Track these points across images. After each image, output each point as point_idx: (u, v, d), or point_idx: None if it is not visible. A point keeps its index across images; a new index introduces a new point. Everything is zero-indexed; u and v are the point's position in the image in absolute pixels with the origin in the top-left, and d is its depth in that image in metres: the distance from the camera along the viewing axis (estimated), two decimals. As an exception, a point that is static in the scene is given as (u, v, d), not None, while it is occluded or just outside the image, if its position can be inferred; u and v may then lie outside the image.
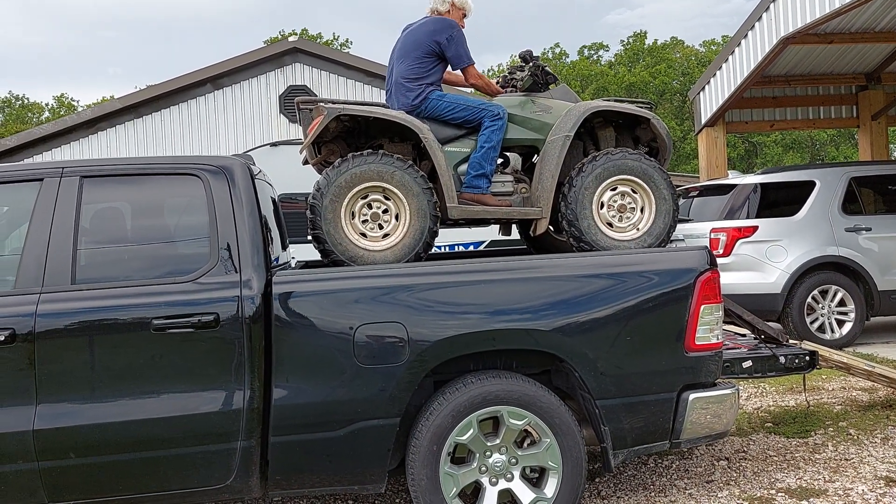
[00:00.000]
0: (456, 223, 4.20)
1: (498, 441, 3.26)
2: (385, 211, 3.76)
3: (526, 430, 3.29)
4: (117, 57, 70.76)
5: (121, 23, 70.01)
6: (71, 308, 3.03)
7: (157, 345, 3.03)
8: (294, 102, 4.19)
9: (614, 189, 3.97)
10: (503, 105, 4.14)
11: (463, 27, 4.35)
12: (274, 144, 8.80)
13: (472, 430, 3.21)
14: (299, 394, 3.10)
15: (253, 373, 3.08)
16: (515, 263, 3.44)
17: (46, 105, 43.66)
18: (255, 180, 3.43)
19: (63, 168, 3.23)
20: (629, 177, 3.95)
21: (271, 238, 3.55)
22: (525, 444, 3.32)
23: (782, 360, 4.25)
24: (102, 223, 3.33)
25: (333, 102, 3.88)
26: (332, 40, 39.42)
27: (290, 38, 14.37)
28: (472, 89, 4.49)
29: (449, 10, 4.32)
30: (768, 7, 10.24)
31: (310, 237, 3.70)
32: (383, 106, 4.11)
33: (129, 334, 3.04)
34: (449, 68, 4.32)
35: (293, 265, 4.36)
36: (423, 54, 4.16)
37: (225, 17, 72.10)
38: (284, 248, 4.19)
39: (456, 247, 8.16)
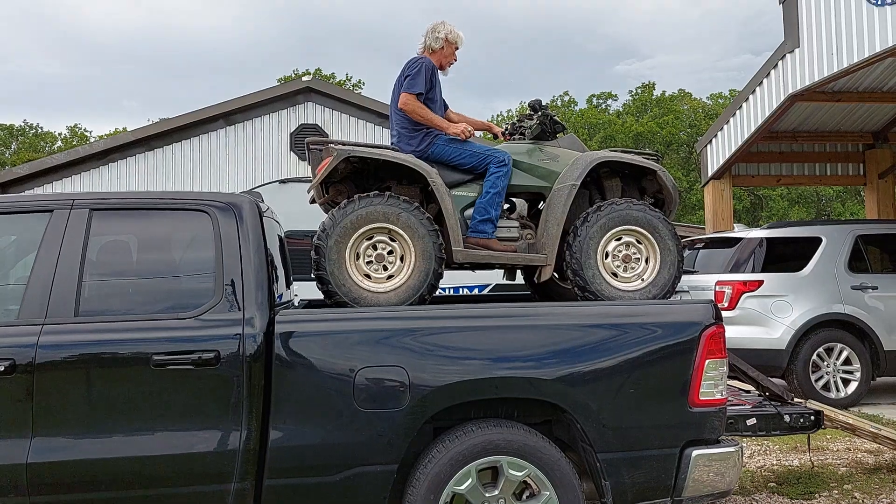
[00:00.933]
0: (461, 266, 4.20)
1: (496, 492, 3.19)
2: (390, 252, 3.76)
3: (525, 482, 3.22)
4: (134, 90, 71.92)
5: (140, 57, 71.35)
6: (72, 340, 3.01)
7: (156, 381, 3.01)
8: (304, 141, 4.23)
9: (619, 239, 3.96)
10: (511, 152, 4.18)
11: (455, 60, 4.46)
12: (283, 181, 8.87)
13: (470, 480, 3.15)
14: (297, 436, 3.05)
15: (251, 413, 3.04)
16: (519, 310, 3.42)
17: (59, 135, 44.21)
18: (263, 218, 3.44)
19: (74, 200, 3.25)
20: (634, 227, 3.95)
21: (276, 276, 3.55)
22: (524, 496, 3.24)
23: (787, 418, 4.19)
24: (109, 256, 3.34)
25: (343, 143, 3.91)
26: (345, 80, 39.99)
27: (304, 78, 14.58)
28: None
29: (443, 47, 4.39)
30: (776, 64, 10.39)
31: (314, 277, 3.69)
32: (393, 149, 4.15)
33: (129, 369, 3.02)
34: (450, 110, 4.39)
35: (296, 304, 4.35)
36: None
37: (242, 55, 73.41)
38: (288, 286, 4.19)
39: (461, 289, 8.15)
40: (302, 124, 13.90)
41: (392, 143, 4.33)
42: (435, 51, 4.38)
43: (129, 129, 16.22)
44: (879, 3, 8.24)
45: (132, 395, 3.00)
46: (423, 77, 4.16)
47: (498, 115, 40.69)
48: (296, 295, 4.57)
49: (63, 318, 3.05)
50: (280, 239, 4.01)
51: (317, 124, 13.91)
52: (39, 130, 44.52)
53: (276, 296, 3.45)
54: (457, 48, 4.44)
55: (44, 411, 2.94)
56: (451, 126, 4.19)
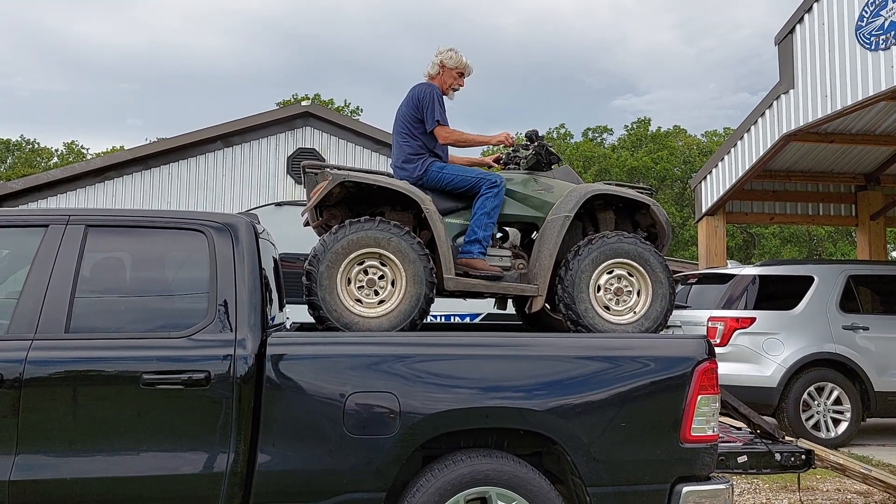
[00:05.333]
0: (451, 294, 4.19)
1: (484, 523, 3.15)
2: (381, 277, 3.76)
3: (514, 514, 3.18)
4: (137, 109, 72.13)
5: (143, 77, 71.70)
6: (61, 357, 2.99)
7: (144, 400, 2.98)
8: (300, 164, 4.24)
9: (611, 272, 3.96)
10: (506, 181, 4.19)
11: (461, 86, 4.47)
12: (279, 204, 8.91)
13: (458, 511, 3.11)
14: (285, 460, 3.02)
15: (239, 435, 3.01)
16: (512, 340, 3.41)
17: (56, 151, 44.20)
18: (259, 239, 3.43)
19: (70, 216, 3.25)
20: (625, 260, 3.95)
21: (270, 298, 3.53)
22: (512, 528, 3.21)
23: (778, 457, 4.17)
24: (103, 273, 3.32)
25: (339, 168, 3.93)
26: (343, 106, 40.25)
27: (303, 103, 14.68)
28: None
29: (439, 73, 4.41)
30: (771, 104, 10.53)
31: (305, 302, 3.68)
32: (388, 175, 4.17)
33: (118, 387, 2.98)
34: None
35: (288, 326, 4.33)
36: (412, 123, 4.26)
37: (243, 78, 73.89)
38: (282, 308, 4.17)
39: (452, 318, 8.13)
40: (299, 148, 13.96)
41: (391, 167, 4.36)
42: (433, 76, 4.42)
43: (127, 148, 16.23)
44: (873, 47, 8.39)
45: (120, 414, 2.97)
46: (438, 105, 4.23)
47: (493, 148, 40.99)
48: (288, 317, 4.55)
49: (53, 334, 3.02)
50: (275, 261, 4.00)
51: (314, 149, 13.97)
52: (36, 146, 44.50)
53: (269, 318, 3.43)
54: (460, 74, 4.45)
55: (29, 428, 2.90)
56: (493, 137, 4.32)
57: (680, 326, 8.03)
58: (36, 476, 2.87)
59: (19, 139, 44.24)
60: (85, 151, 43.55)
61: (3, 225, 3.29)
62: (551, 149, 4.33)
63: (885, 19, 8.19)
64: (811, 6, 9.53)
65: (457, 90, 4.48)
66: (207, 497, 2.95)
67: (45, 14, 70.35)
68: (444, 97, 4.37)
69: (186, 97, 72.89)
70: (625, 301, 3.96)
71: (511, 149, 4.57)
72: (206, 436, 2.99)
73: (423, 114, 4.23)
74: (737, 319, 7.72)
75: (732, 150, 11.87)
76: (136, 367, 2.99)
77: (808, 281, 7.94)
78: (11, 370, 2.92)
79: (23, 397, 2.91)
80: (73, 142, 44.81)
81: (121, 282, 3.34)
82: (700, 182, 12.97)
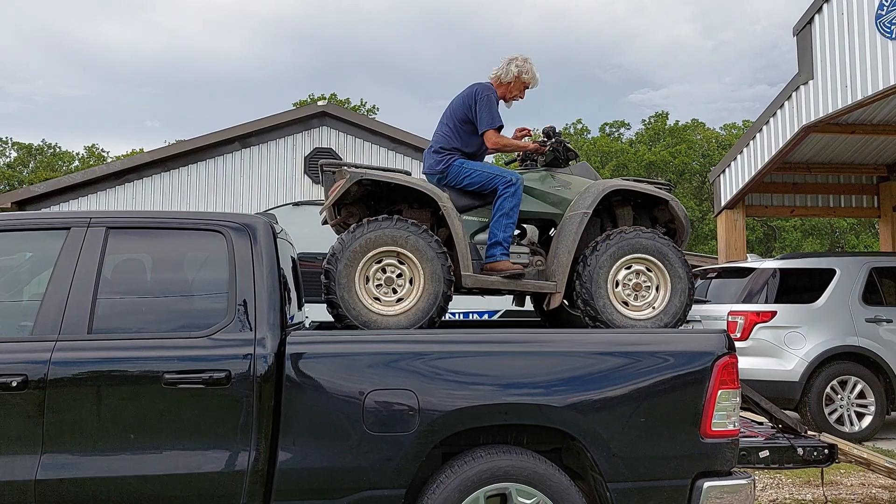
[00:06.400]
0: (470, 291, 4.20)
1: (505, 519, 3.16)
2: (399, 275, 3.77)
3: (534, 510, 3.19)
4: (156, 111, 72.76)
5: (163, 79, 72.27)
6: (85, 357, 3.03)
7: (166, 399, 3.01)
8: (318, 163, 4.26)
9: (629, 268, 3.95)
10: (523, 178, 4.19)
11: (521, 98, 4.47)
12: (296, 204, 8.94)
13: (478, 507, 3.12)
14: (305, 458, 3.04)
15: (260, 433, 3.04)
16: (530, 336, 3.42)
17: (77, 154, 44.70)
18: (277, 239, 3.46)
19: (91, 218, 3.29)
20: (643, 255, 3.94)
21: (289, 297, 3.56)
22: (532, 525, 3.21)
23: (800, 451, 4.14)
24: (124, 274, 3.37)
25: (356, 166, 3.95)
26: (359, 105, 40.32)
27: (320, 103, 14.74)
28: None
29: (511, 82, 4.40)
30: (790, 95, 10.41)
31: (324, 301, 3.70)
32: (406, 172, 4.18)
33: (140, 387, 3.02)
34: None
35: (307, 325, 4.36)
36: (459, 120, 4.29)
37: (260, 79, 74.26)
38: (300, 307, 4.20)
39: (470, 315, 8.13)
40: (316, 148, 14.02)
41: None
42: (503, 83, 4.40)
43: (146, 150, 16.39)
44: (893, 36, 8.27)
45: (142, 413, 3.01)
46: (496, 109, 4.27)
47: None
48: (307, 316, 4.58)
49: (76, 335, 3.07)
50: (293, 260, 4.03)
51: (331, 148, 14.03)
52: (57, 150, 45.03)
53: (288, 317, 3.46)
54: (527, 87, 4.45)
55: (54, 428, 2.95)
56: (530, 144, 4.39)
57: (700, 321, 7.97)
58: (61, 475, 2.92)
59: (41, 143, 44.80)
60: (105, 154, 43.99)
61: (25, 228, 3.35)
62: (569, 145, 4.32)
63: (906, 7, 8.07)
64: (830, -5, 9.41)
65: (515, 99, 4.49)
66: (229, 495, 2.99)
67: (63, 19, 71.24)
68: (501, 102, 4.39)
69: (204, 99, 73.47)
70: (643, 296, 3.95)
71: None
72: (227, 434, 3.02)
73: (473, 114, 4.24)
74: (757, 313, 7.65)
75: (751, 142, 11.75)
76: (158, 367, 3.03)
77: (829, 274, 7.85)
78: (36, 371, 2.97)
79: (47, 398, 2.95)
80: (93, 145, 45.27)
81: (141, 283, 3.38)
82: (719, 175, 12.86)
